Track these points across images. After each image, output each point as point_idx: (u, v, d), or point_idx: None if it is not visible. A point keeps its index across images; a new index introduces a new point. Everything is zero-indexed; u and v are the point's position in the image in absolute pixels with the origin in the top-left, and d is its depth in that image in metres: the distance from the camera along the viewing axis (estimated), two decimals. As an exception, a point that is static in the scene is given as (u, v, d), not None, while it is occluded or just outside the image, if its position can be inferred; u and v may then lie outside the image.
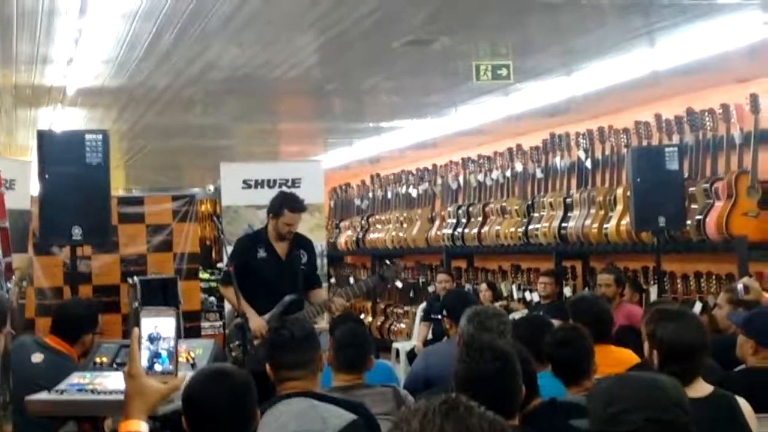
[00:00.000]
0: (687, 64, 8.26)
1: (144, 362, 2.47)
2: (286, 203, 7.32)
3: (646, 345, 3.87)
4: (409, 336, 13.16)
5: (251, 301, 7.04)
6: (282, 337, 4.09)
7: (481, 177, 12.98)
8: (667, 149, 8.63)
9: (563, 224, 10.57)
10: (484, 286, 11.40)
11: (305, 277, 7.39)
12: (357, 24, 7.15)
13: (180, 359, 2.75)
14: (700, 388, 3.71)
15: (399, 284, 15.05)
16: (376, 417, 4.14)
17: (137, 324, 2.52)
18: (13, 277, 7.83)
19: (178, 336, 2.52)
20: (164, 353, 2.50)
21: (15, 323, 5.43)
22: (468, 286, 12.72)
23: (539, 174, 11.71)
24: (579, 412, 3.64)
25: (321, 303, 7.27)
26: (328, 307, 7.24)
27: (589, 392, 3.21)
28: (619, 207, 9.75)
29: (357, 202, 17.25)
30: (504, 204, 11.97)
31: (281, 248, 7.35)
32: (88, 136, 7.02)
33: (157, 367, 2.49)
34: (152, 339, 2.49)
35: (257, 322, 6.99)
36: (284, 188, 9.87)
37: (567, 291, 10.61)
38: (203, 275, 12.33)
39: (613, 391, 2.57)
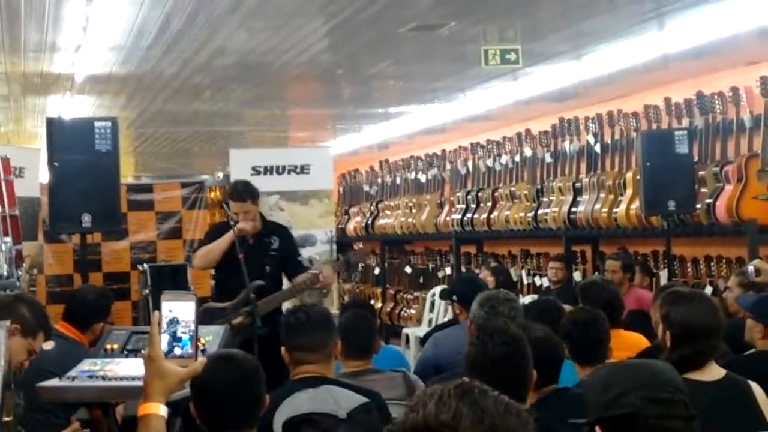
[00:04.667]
0: (697, 47, 8.24)
1: (164, 346, 2.48)
2: (230, 193, 7.19)
3: (659, 327, 3.87)
4: (419, 322, 13.17)
5: (222, 287, 7.07)
6: (298, 320, 4.11)
7: (490, 162, 12.96)
8: (676, 133, 8.60)
9: (573, 209, 10.55)
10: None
11: (284, 264, 7.22)
12: (364, 9, 7.14)
13: None
14: (713, 372, 3.71)
15: (408, 269, 15.08)
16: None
17: (150, 310, 2.53)
18: (24, 264, 7.86)
19: (197, 320, 2.53)
20: (184, 337, 2.51)
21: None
22: (478, 272, 12.72)
23: (548, 159, 11.69)
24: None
25: (305, 278, 7.05)
26: (314, 279, 7.00)
27: (584, 382, 3.21)
28: (629, 191, 9.73)
29: (366, 188, 17.25)
30: (513, 189, 11.96)
31: (249, 234, 7.13)
32: (97, 124, 7.02)
33: (177, 351, 2.50)
34: (172, 323, 2.50)
35: (243, 223, 6.88)
36: (293, 174, 9.89)
37: (577, 276, 10.60)
38: (213, 262, 12.33)
39: (607, 377, 2.59)
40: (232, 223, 7.05)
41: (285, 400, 3.78)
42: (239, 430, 3.31)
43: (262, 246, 7.14)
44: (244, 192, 7.09)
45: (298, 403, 3.77)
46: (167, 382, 2.47)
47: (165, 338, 2.50)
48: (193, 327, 2.51)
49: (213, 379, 3.25)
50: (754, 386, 3.73)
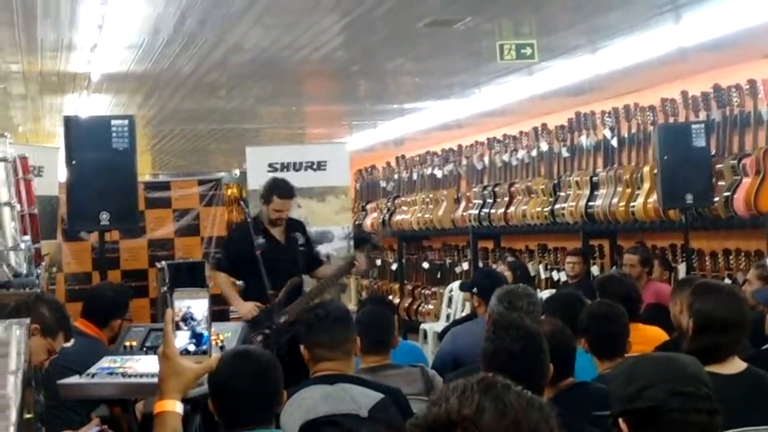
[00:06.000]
0: (713, 39, 8.20)
1: (178, 343, 2.48)
2: (275, 190, 7.42)
3: (684, 317, 3.88)
4: (437, 317, 13.17)
5: (257, 289, 7.11)
6: (318, 317, 4.12)
7: (506, 157, 12.95)
8: (693, 126, 8.57)
9: (590, 203, 10.53)
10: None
11: (308, 258, 7.52)
12: (380, 5, 7.13)
13: None
14: (734, 365, 3.70)
15: (426, 265, 15.06)
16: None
17: (167, 306, 2.53)
18: (43, 263, 7.89)
19: (211, 317, 2.53)
20: (198, 334, 2.51)
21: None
22: (495, 267, 12.69)
23: (565, 153, 11.67)
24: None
25: (338, 268, 7.39)
26: (350, 264, 7.40)
27: (609, 375, 3.20)
28: (646, 185, 9.70)
29: (382, 184, 17.26)
30: (530, 184, 11.94)
31: (278, 233, 7.44)
32: (114, 122, 7.04)
33: (191, 348, 2.50)
34: (185, 320, 2.50)
35: (245, 307, 7.08)
36: (310, 171, 9.90)
37: (594, 270, 10.58)
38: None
39: (632, 370, 2.59)
40: (250, 219, 7.23)
41: (294, 395, 3.78)
42: (257, 427, 3.31)
43: (292, 243, 7.42)
44: (292, 190, 7.46)
45: (314, 404, 3.76)
46: (182, 379, 2.48)
47: (179, 335, 2.50)
48: (206, 324, 2.52)
49: (230, 375, 3.26)
50: (775, 379, 3.73)
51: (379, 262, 15.41)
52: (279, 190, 7.41)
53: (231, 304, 7.30)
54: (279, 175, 10.16)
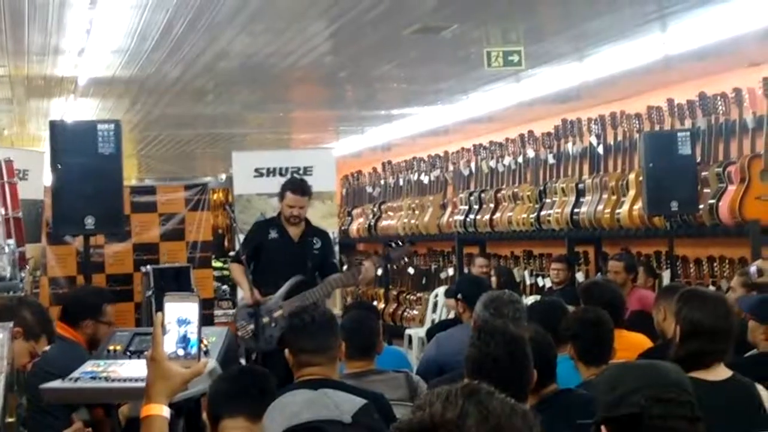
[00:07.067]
0: (699, 48, 8.24)
1: (167, 347, 2.48)
2: (288, 185, 7.57)
3: (668, 324, 3.90)
4: (421, 322, 13.17)
5: (261, 280, 7.21)
6: (303, 322, 4.12)
7: (492, 163, 12.97)
8: (679, 134, 8.60)
9: (575, 210, 10.56)
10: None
11: (322, 264, 7.54)
12: (367, 12, 7.14)
13: None
14: (719, 372, 3.71)
15: (411, 270, 15.07)
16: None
17: (152, 311, 2.53)
18: (27, 266, 7.86)
19: (201, 322, 2.53)
20: (188, 338, 2.51)
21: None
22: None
23: (551, 160, 11.70)
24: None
25: (344, 274, 7.49)
26: (355, 274, 7.42)
27: (593, 382, 3.22)
28: (632, 192, 9.73)
29: (369, 189, 17.26)
30: (516, 190, 11.97)
31: (294, 232, 7.54)
32: (100, 126, 7.03)
33: (180, 352, 2.50)
34: (175, 324, 2.50)
35: (246, 294, 7.19)
36: (296, 176, 9.90)
37: (579, 276, 10.60)
38: (216, 264, 12.35)
39: (614, 377, 2.61)
40: (234, 224, 7.24)
41: (277, 400, 3.78)
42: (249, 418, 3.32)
43: (306, 245, 7.51)
44: (305, 188, 7.55)
45: (297, 410, 3.76)
46: (170, 384, 2.47)
47: (168, 339, 2.50)
48: (196, 328, 2.51)
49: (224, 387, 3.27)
50: (761, 388, 3.74)
51: (380, 271, 15.41)
52: (291, 185, 7.55)
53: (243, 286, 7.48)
54: (265, 179, 10.21)
